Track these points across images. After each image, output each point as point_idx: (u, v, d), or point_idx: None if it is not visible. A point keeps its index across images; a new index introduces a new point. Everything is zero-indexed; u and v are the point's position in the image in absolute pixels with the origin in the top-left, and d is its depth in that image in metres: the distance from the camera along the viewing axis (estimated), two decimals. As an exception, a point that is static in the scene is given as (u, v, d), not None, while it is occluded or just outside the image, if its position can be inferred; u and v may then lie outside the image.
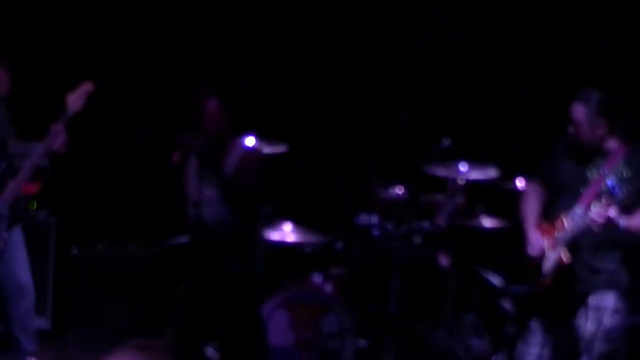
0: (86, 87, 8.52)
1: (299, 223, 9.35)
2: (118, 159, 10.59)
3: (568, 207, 7.40)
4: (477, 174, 9.16)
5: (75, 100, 8.47)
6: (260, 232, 8.48)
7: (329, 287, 9.02)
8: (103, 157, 10.02)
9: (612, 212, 7.15)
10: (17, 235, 8.62)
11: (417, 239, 9.13)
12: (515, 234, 8.12)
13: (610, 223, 7.15)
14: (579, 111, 7.43)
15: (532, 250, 7.53)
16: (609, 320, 7.41)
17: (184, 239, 8.39)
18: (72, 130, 8.65)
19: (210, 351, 8.34)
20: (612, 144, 7.43)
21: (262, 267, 8.29)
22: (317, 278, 9.08)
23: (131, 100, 10.67)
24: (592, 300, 7.41)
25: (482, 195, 9.52)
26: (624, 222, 7.18)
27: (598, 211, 7.16)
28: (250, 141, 8.08)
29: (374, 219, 9.18)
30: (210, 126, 8.01)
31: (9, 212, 8.54)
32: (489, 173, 9.22)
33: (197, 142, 8.05)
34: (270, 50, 11.72)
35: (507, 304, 9.12)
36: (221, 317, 7.96)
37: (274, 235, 9.16)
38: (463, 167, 9.09)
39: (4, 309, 8.75)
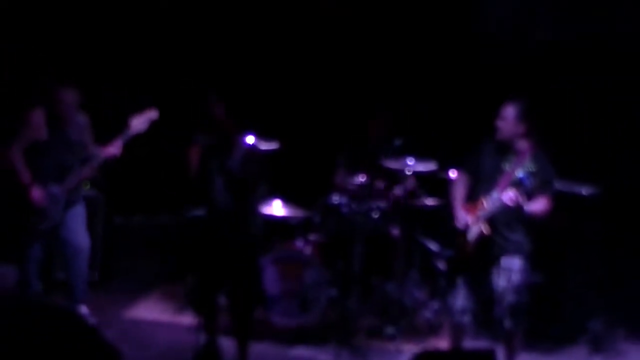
0: (151, 114, 8.73)
1: (287, 201, 9.57)
2: (151, 150, 10.20)
3: (487, 191, 7.91)
4: (420, 167, 9.26)
5: (139, 123, 8.67)
6: (258, 208, 8.55)
7: (308, 250, 9.24)
8: (140, 148, 9.37)
9: (520, 197, 7.64)
10: (77, 210, 8.84)
11: (375, 215, 9.31)
12: (447, 211, 8.45)
13: (519, 204, 7.64)
14: (510, 111, 7.88)
15: (459, 224, 8.02)
16: (516, 277, 7.93)
17: (200, 211, 8.35)
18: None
19: (220, 298, 8.35)
20: (523, 144, 7.89)
21: (259, 234, 8.52)
22: (299, 243, 9.29)
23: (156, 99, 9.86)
24: (504, 262, 7.92)
25: (424, 182, 9.63)
26: (528, 206, 7.71)
27: (509, 195, 7.64)
28: (250, 139, 8.12)
29: (343, 200, 9.39)
30: (218, 128, 8.11)
31: (66, 196, 8.72)
32: (429, 166, 9.32)
33: (208, 141, 8.16)
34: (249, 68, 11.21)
35: (440, 264, 9.38)
36: (229, 271, 8.09)
37: (268, 210, 9.33)
38: (410, 161, 9.20)
39: (66, 265, 9.01)
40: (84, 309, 8.88)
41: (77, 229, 8.88)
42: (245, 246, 8.22)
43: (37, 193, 8.56)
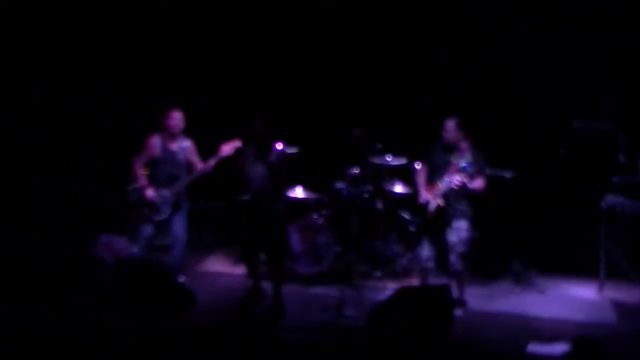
0: (236, 143, 8.33)
1: (305, 187, 9.48)
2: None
3: (440, 177, 8.11)
4: (395, 162, 9.30)
5: (227, 149, 8.32)
6: (285, 193, 8.75)
7: (320, 220, 9.21)
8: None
9: (464, 179, 7.88)
10: (182, 209, 8.63)
11: (365, 195, 9.32)
12: (414, 192, 8.60)
13: (463, 185, 7.90)
14: (450, 125, 8.09)
15: (422, 199, 8.21)
16: (462, 234, 8.14)
17: (246, 197, 8.17)
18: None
19: (261, 255, 8.38)
20: (463, 144, 8.10)
21: (286, 210, 8.63)
22: (314, 216, 9.26)
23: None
24: (454, 224, 8.14)
25: (398, 172, 9.43)
26: (470, 185, 7.90)
27: (458, 179, 7.89)
28: (279, 145, 8.15)
29: (343, 185, 9.34)
30: (260, 139, 8.15)
31: (174, 198, 8.52)
32: (402, 160, 9.32)
33: (252, 149, 8.18)
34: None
35: (411, 227, 9.28)
36: (267, 237, 8.15)
37: (293, 194, 9.33)
38: (388, 158, 9.29)
39: (170, 247, 8.65)
40: (182, 278, 8.69)
41: (179, 224, 8.64)
42: (277, 219, 8.31)
43: (149, 192, 8.46)
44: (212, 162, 8.45)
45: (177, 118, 8.53)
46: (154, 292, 6.95)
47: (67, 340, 6.27)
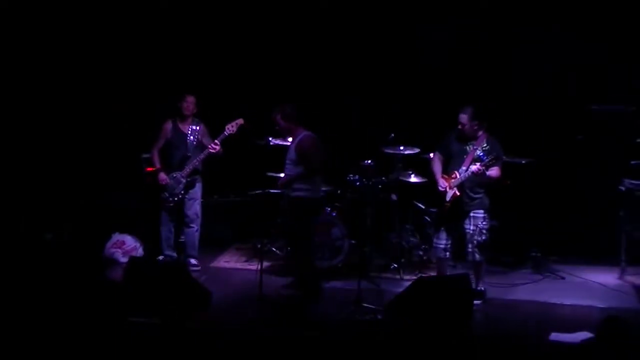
0: (239, 121, 8.75)
1: None
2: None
3: (457, 167, 8.02)
4: (408, 151, 9.16)
5: (231, 127, 8.71)
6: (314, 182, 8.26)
7: (334, 213, 9.13)
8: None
9: (481, 168, 7.76)
10: (195, 190, 9.01)
11: (379, 186, 9.18)
12: (429, 182, 8.52)
13: (480, 173, 7.76)
14: (463, 118, 7.93)
15: (441, 187, 8.04)
16: (480, 223, 8.01)
17: (259, 190, 8.40)
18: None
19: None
20: (480, 133, 7.98)
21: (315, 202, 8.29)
22: (328, 209, 9.12)
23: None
24: (472, 213, 8.02)
25: (412, 161, 9.33)
26: (487, 173, 7.79)
27: (474, 168, 7.79)
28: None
29: (357, 177, 9.16)
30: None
31: (185, 181, 8.92)
32: (415, 150, 9.18)
33: None
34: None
35: (426, 218, 9.36)
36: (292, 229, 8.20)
37: None
38: (401, 148, 9.13)
39: (183, 230, 9.15)
40: (193, 260, 9.12)
41: (194, 204, 9.06)
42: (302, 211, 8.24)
43: (161, 176, 8.93)
44: (218, 140, 8.78)
45: (189, 101, 8.98)
46: (169, 291, 6.86)
47: (81, 343, 6.20)
